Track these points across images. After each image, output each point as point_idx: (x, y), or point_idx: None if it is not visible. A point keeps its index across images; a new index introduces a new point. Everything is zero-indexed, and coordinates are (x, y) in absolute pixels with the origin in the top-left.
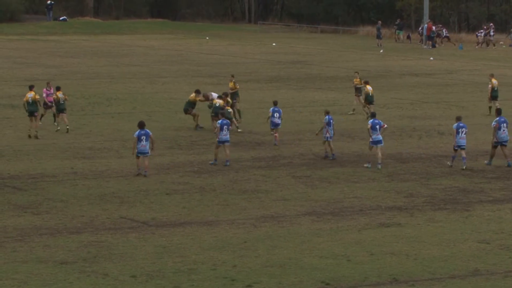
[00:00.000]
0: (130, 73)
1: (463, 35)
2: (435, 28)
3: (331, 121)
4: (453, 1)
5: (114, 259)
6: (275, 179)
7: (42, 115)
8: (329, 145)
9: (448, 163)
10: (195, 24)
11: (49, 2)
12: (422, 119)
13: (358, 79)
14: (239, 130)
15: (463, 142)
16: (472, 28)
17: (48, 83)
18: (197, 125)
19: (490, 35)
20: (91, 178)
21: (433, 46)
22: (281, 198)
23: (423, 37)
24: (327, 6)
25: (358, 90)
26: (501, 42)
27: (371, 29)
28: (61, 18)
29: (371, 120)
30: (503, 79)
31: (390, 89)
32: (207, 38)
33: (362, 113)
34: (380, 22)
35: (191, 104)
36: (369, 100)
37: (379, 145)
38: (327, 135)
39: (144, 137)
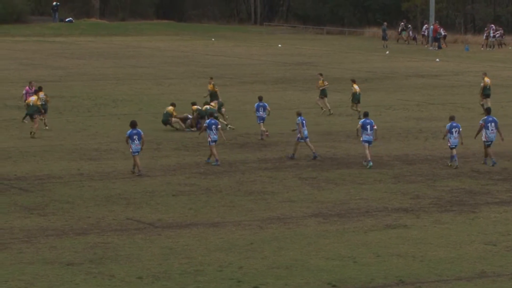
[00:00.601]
0: (136, 74)
1: (469, 37)
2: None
3: (304, 122)
4: (459, 2)
5: (120, 260)
6: (281, 181)
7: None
8: (307, 144)
9: (448, 163)
10: (201, 26)
11: (54, 3)
12: (428, 120)
13: (321, 81)
14: (229, 127)
15: (455, 142)
16: (478, 30)
17: (30, 82)
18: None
19: (492, 36)
20: (98, 180)
21: (439, 47)
22: (287, 199)
23: (429, 39)
24: (333, 7)
25: (322, 92)
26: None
27: (377, 31)
28: (67, 20)
29: (363, 120)
30: (509, 81)
31: (396, 90)
32: (213, 39)
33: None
34: (385, 23)
35: (170, 115)
36: (356, 99)
37: (369, 145)
38: (298, 135)
39: (136, 137)
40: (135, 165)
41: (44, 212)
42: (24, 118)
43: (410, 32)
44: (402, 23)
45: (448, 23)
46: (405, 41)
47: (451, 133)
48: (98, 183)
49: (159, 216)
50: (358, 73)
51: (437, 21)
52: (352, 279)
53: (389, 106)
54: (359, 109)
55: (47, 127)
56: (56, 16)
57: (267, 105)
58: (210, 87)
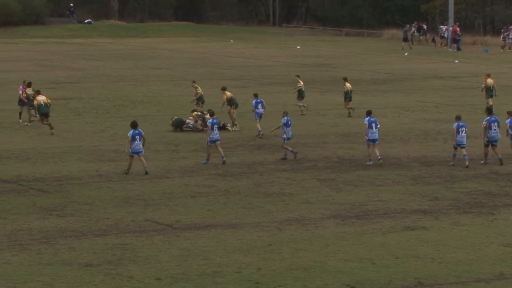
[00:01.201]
0: (155, 75)
1: (488, 38)
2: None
3: (289, 122)
4: (478, 4)
5: (139, 261)
6: (300, 182)
7: (20, 113)
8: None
9: (451, 162)
10: (220, 27)
11: (71, 5)
12: (447, 122)
13: (301, 83)
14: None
15: (463, 140)
16: (497, 31)
17: (24, 81)
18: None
19: (510, 38)
20: (116, 181)
21: (458, 49)
22: (305, 201)
23: (448, 40)
24: (352, 9)
25: (300, 92)
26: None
27: (396, 32)
28: (86, 21)
29: (367, 118)
30: None
31: (415, 92)
32: (232, 41)
33: (381, 116)
34: (408, 25)
35: (183, 122)
36: (348, 97)
37: (375, 143)
38: (284, 136)
39: (138, 137)
40: (129, 167)
41: (63, 213)
42: (29, 121)
43: (416, 33)
44: (414, 25)
45: (467, 25)
46: (418, 43)
47: (458, 132)
48: (116, 185)
49: (178, 217)
50: (377, 74)
51: (457, 22)
52: (370, 281)
53: (408, 108)
54: (350, 107)
55: (29, 124)
56: (74, 17)
57: (263, 101)
58: (198, 91)
